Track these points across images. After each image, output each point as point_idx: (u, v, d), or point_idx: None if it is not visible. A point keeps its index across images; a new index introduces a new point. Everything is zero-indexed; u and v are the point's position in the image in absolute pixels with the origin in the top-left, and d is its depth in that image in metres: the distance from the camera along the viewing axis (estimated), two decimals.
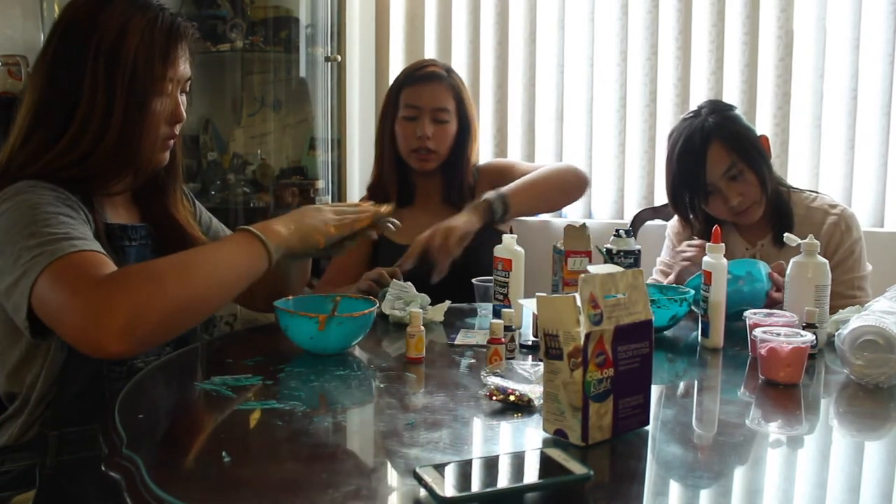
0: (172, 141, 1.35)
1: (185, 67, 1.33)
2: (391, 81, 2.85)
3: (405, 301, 1.55)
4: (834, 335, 1.28)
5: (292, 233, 1.26)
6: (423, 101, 2.01)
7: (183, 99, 1.35)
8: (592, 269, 0.99)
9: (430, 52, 2.83)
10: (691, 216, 1.91)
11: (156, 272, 1.07)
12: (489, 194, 1.84)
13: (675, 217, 2.04)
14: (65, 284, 1.06)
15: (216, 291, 1.11)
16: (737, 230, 1.92)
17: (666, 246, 2.06)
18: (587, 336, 0.92)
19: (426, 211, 2.03)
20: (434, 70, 2.05)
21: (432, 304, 1.59)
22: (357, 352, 1.37)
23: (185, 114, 1.34)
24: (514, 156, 2.76)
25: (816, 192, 1.93)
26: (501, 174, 2.06)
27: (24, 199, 1.17)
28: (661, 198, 2.62)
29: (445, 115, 2.01)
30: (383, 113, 2.08)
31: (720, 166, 1.79)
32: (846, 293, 1.77)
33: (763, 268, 1.60)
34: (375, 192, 2.07)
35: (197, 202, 1.57)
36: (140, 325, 1.02)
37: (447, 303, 1.61)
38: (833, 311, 1.47)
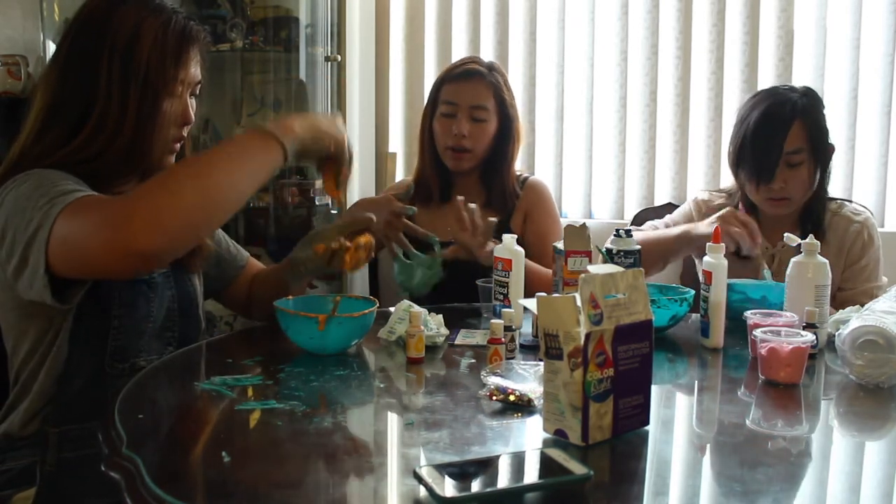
0: (179, 144, 1.36)
1: (195, 70, 1.34)
2: (391, 81, 2.88)
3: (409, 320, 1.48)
4: (834, 335, 1.28)
5: (306, 130, 1.25)
6: (461, 97, 1.98)
7: (192, 102, 1.36)
8: (592, 269, 0.99)
9: (430, 53, 2.83)
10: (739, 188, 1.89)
11: (172, 179, 1.12)
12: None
13: (684, 208, 2.04)
14: (83, 214, 1.10)
15: (232, 190, 1.15)
16: (761, 228, 1.89)
17: (672, 218, 2.03)
18: (587, 336, 0.92)
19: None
20: (474, 67, 2.02)
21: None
22: (357, 352, 1.37)
23: (193, 116, 1.36)
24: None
25: (843, 201, 1.93)
26: (536, 210, 2.03)
27: (31, 175, 1.20)
28: (661, 197, 2.62)
29: (483, 114, 1.98)
30: (425, 110, 2.08)
31: (790, 145, 1.78)
32: (865, 302, 1.74)
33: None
34: (418, 189, 2.05)
35: None
36: (164, 220, 1.07)
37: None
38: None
